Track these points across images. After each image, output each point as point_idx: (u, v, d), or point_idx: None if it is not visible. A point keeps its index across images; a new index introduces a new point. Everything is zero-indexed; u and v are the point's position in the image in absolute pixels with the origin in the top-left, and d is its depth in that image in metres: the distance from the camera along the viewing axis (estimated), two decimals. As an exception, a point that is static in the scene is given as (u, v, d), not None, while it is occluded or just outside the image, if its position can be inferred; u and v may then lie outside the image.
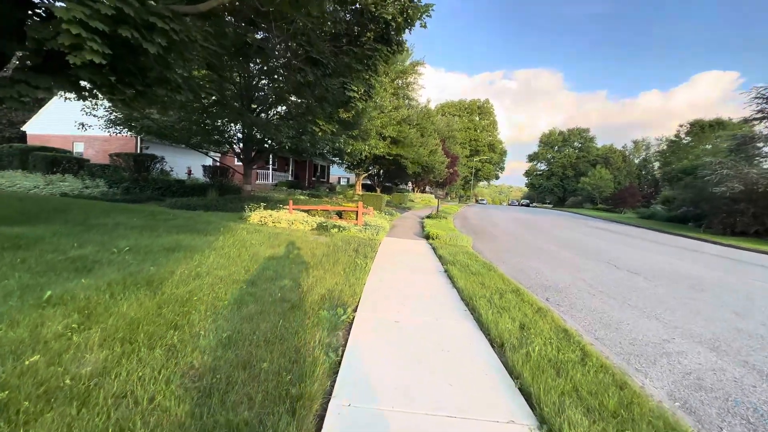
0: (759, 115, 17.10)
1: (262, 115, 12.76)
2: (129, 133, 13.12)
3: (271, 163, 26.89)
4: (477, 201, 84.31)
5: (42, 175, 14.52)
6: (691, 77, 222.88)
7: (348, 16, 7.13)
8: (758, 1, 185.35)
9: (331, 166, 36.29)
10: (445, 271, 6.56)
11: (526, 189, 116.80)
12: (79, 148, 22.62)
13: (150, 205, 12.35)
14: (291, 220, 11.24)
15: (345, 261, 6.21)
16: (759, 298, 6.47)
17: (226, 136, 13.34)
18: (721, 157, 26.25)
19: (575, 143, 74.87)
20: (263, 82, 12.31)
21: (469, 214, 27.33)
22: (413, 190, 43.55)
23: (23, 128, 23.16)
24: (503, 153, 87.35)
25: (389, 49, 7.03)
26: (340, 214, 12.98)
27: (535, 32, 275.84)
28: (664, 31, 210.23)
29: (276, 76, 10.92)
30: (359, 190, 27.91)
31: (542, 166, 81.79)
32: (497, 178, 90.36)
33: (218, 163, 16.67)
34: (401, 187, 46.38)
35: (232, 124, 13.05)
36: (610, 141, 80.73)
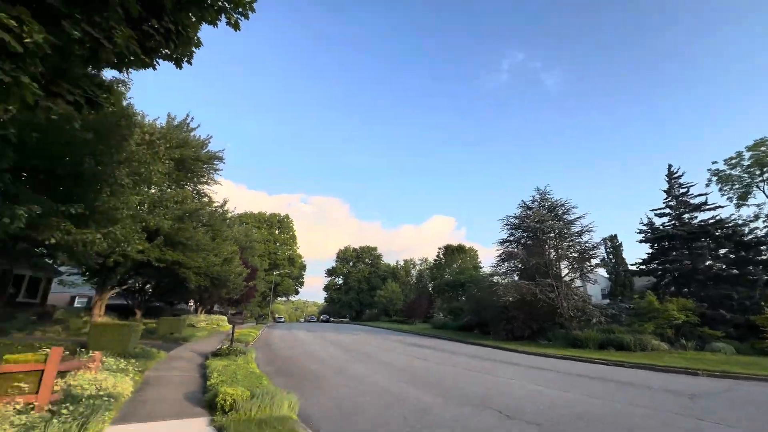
0: (511, 238, 22.19)
1: None
2: None
3: None
4: (275, 319, 76.47)
5: None
6: (430, 218, 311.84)
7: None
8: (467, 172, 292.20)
9: (53, 279, 23.28)
10: None
11: (320, 304, 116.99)
12: None
13: None
14: None
15: None
16: None
17: None
18: (471, 272, 32.18)
19: (366, 260, 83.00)
20: None
21: (275, 340, 21.61)
22: (197, 310, 33.48)
23: None
24: (303, 267, 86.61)
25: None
26: (-7, 383, 5.62)
27: (325, 168, 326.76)
28: (412, 183, 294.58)
29: None
30: (100, 315, 17.76)
31: (340, 281, 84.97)
32: (297, 293, 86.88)
33: None
34: (180, 307, 35.20)
35: None
36: (388, 260, 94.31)
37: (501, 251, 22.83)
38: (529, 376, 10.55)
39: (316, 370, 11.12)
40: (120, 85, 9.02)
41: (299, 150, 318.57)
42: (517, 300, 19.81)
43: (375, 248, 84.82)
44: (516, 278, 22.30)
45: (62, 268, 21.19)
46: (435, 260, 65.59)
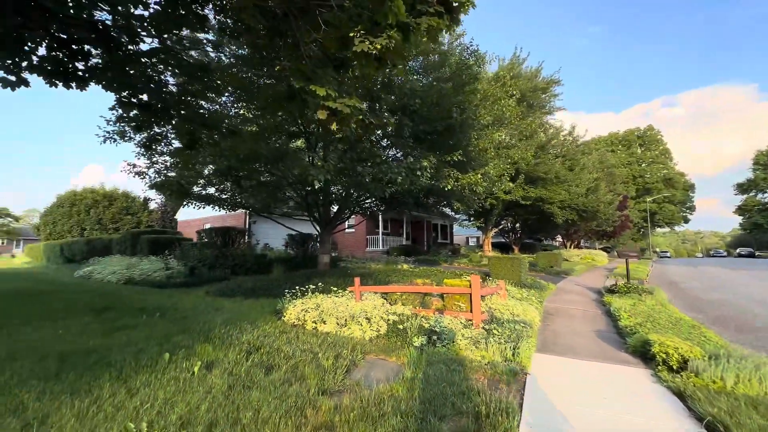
0: None
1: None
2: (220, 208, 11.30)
3: (381, 226, 23.50)
4: (658, 254, 63.07)
5: (140, 257, 14.06)
6: None
7: None
8: None
9: (453, 225, 30.93)
10: None
11: (723, 234, 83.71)
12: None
13: (184, 291, 9.55)
14: (350, 315, 6.27)
15: None
16: None
17: (288, 193, 10.03)
18: None
19: (827, 157, 49.29)
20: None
21: (676, 277, 17.01)
22: (565, 245, 33.41)
23: (176, 216, 26.40)
24: (689, 188, 65.55)
25: None
26: (443, 299, 7.29)
27: (713, 44, 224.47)
28: None
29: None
30: (488, 251, 21.34)
31: (765, 197, 56.63)
32: (686, 221, 67.24)
33: (294, 231, 13.64)
34: (547, 242, 36.72)
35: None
36: None
37: None
38: None
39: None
40: None
41: (640, 46, 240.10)
42: None
43: None
44: None
45: (456, 216, 27.49)
46: None
